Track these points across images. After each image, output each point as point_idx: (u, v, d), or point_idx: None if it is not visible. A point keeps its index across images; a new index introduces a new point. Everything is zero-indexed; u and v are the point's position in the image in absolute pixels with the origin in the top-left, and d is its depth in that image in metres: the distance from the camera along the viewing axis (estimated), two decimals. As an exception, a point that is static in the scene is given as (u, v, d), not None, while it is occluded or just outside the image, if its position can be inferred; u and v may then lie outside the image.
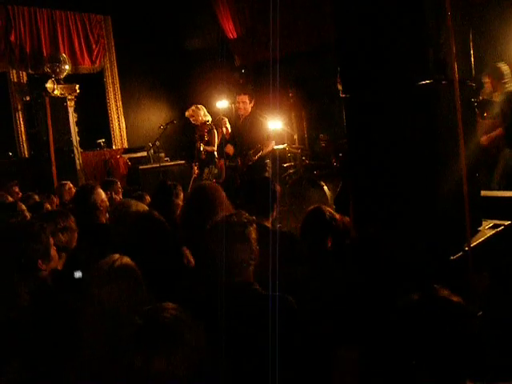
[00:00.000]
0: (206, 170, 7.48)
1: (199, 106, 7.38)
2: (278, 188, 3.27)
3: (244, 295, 1.88)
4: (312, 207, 2.83)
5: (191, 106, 7.73)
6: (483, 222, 3.07)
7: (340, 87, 4.84)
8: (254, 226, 2.17)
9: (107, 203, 3.57)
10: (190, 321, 1.28)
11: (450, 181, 2.92)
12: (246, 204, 3.02)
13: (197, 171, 7.43)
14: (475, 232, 2.94)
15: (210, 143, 7.46)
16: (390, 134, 3.00)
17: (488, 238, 2.87)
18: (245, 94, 6.54)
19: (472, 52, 3.77)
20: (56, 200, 4.90)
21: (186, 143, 8.33)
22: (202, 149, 7.33)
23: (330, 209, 2.86)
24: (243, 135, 6.50)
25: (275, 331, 1.58)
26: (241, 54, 8.81)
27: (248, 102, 6.42)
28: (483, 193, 3.35)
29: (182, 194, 3.69)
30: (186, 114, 7.36)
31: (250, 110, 6.48)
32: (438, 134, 2.91)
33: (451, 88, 2.85)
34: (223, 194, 3.04)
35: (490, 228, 2.99)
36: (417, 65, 2.88)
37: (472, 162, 3.14)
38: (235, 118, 6.99)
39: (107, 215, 3.48)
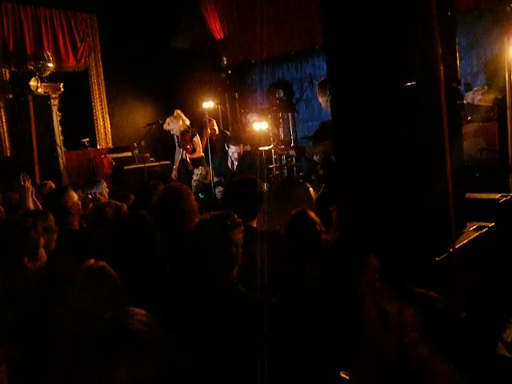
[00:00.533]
0: (196, 171, 7.47)
1: (176, 114, 7.27)
2: (263, 189, 3.27)
3: (227, 296, 1.85)
4: (295, 211, 2.85)
5: (176, 106, 7.68)
6: (468, 224, 3.08)
7: (321, 99, 4.88)
8: (241, 227, 2.15)
9: (79, 206, 3.44)
10: (156, 326, 1.23)
11: (435, 183, 2.93)
12: (231, 205, 3.01)
13: (175, 174, 7.41)
14: (460, 233, 2.95)
15: (194, 151, 7.45)
16: (374, 135, 2.99)
17: (472, 239, 2.88)
18: None
19: (458, 55, 3.80)
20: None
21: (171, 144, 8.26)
22: (188, 160, 7.32)
23: (312, 213, 2.88)
24: None
25: (258, 332, 1.55)
26: (228, 55, 8.78)
27: None
28: (468, 195, 3.37)
29: None
30: (165, 127, 7.28)
31: None
32: (423, 136, 2.92)
33: (437, 90, 2.85)
34: (191, 196, 3.05)
35: (474, 229, 3.01)
36: (403, 66, 2.88)
37: (457, 164, 3.15)
38: None
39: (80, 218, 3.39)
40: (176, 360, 1.24)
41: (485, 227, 3.01)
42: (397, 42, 2.89)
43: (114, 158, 8.61)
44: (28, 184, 3.58)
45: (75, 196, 3.40)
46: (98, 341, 1.17)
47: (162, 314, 1.46)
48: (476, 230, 3.00)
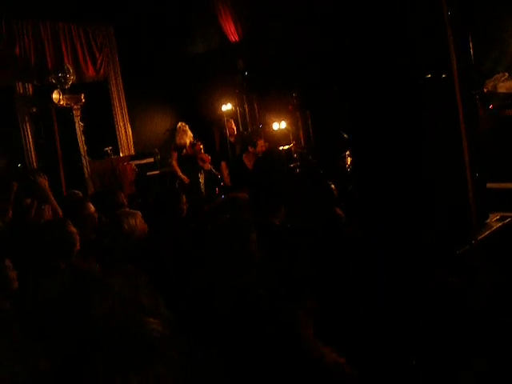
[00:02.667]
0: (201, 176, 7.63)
1: (183, 127, 7.44)
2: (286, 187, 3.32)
3: (245, 298, 1.88)
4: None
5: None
6: (491, 215, 3.05)
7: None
8: (253, 228, 2.17)
9: (95, 218, 3.44)
10: (171, 337, 1.18)
11: (453, 174, 2.91)
12: (255, 203, 3.05)
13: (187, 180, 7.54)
14: (482, 225, 2.92)
15: (205, 162, 7.62)
16: (392, 129, 3.00)
17: (495, 230, 2.85)
18: None
19: (471, 45, 3.76)
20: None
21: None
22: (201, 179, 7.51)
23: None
24: None
25: (276, 336, 1.57)
26: (243, 57, 8.82)
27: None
28: (489, 185, 3.33)
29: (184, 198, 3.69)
30: (178, 141, 7.45)
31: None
32: (437, 128, 2.91)
33: (451, 81, 2.84)
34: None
35: (497, 220, 2.98)
36: (419, 59, 2.88)
37: (475, 155, 3.12)
38: None
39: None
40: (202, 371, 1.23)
41: (508, 217, 2.98)
42: (407, 38, 2.90)
43: (137, 165, 8.75)
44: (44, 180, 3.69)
45: (92, 207, 3.45)
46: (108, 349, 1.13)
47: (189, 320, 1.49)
48: (499, 220, 2.97)
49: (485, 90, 5.31)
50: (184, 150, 7.52)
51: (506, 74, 5.30)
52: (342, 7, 3.25)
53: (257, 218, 2.70)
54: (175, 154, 7.56)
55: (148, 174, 8.63)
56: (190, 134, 7.59)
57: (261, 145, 7.07)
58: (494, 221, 2.97)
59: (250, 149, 7.10)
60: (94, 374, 1.23)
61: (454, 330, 1.23)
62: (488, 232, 2.82)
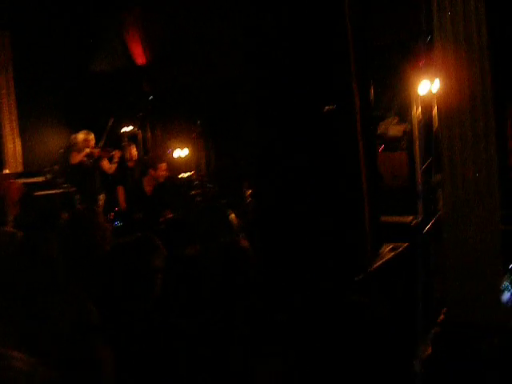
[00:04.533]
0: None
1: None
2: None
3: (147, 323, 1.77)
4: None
5: (93, 130, 7.47)
6: (384, 245, 3.21)
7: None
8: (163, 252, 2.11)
9: None
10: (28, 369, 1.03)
11: (351, 207, 3.03)
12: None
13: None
14: (376, 255, 3.06)
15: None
16: (293, 158, 3.06)
17: (388, 259, 3.00)
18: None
19: (372, 87, 4.01)
20: None
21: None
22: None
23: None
24: None
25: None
26: (149, 81, 8.71)
27: None
28: (383, 218, 3.52)
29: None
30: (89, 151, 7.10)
31: None
32: (339, 159, 3.02)
33: (354, 116, 2.99)
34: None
35: (389, 250, 3.14)
36: (322, 93, 3.00)
37: (373, 188, 3.29)
38: None
39: None
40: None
41: (399, 247, 3.16)
42: (315, 72, 3.02)
43: (25, 183, 8.10)
44: None
45: None
46: None
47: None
48: (391, 250, 3.14)
49: (378, 132, 5.71)
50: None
51: (397, 118, 5.77)
52: (250, 36, 3.32)
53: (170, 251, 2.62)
54: None
55: (36, 193, 8.02)
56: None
57: (162, 168, 6.88)
58: (387, 251, 3.13)
59: (152, 172, 6.89)
60: None
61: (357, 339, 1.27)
62: (381, 261, 2.96)
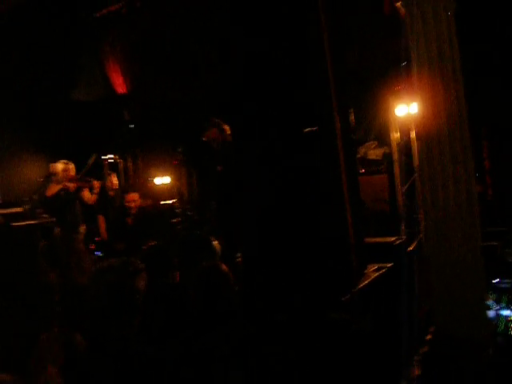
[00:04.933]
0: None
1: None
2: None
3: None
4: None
5: (72, 160, 7.39)
6: (369, 266, 3.22)
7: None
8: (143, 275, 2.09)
9: None
10: None
11: (335, 229, 3.05)
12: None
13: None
14: (361, 275, 3.06)
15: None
16: (278, 180, 3.08)
17: (372, 279, 3.00)
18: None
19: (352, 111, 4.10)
20: None
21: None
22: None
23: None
24: None
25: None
26: (129, 109, 8.73)
27: None
28: (367, 239, 3.55)
29: None
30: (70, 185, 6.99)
31: None
32: (322, 181, 3.05)
33: (334, 137, 3.04)
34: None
35: (374, 270, 3.14)
36: (303, 115, 3.04)
37: (356, 212, 3.31)
38: None
39: None
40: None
41: (384, 267, 3.17)
42: (296, 95, 3.07)
43: (2, 214, 7.94)
44: None
45: None
46: None
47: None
48: (376, 270, 3.15)
49: (358, 156, 5.79)
50: None
51: (376, 142, 5.86)
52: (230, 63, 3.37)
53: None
54: None
55: (13, 224, 7.86)
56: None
57: (130, 199, 6.73)
58: (372, 271, 3.13)
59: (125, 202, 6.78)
60: None
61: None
62: (367, 281, 2.96)
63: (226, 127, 4.89)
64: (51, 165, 7.16)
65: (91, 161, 7.60)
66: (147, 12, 7.80)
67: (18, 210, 8.09)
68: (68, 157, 7.44)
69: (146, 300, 2.08)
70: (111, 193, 7.93)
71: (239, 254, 4.01)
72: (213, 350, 2.04)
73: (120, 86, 8.59)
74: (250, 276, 3.14)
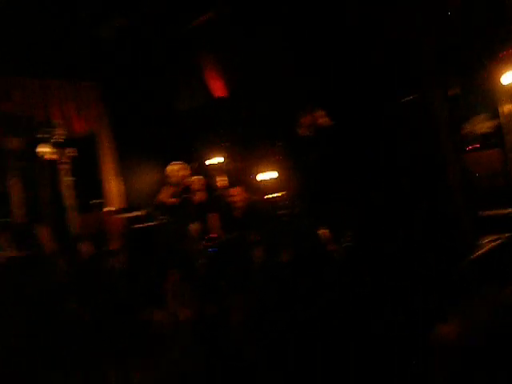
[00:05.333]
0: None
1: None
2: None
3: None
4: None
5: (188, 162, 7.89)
6: (484, 237, 3.10)
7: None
8: None
9: None
10: None
11: (445, 206, 3.01)
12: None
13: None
14: (475, 246, 2.97)
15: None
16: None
17: (488, 249, 2.90)
18: None
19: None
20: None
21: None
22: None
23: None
24: None
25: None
26: (230, 111, 9.08)
27: None
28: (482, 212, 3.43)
29: None
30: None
31: None
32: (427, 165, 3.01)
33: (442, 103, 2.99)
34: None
35: (489, 241, 3.02)
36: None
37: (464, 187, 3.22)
38: None
39: None
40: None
41: (500, 238, 3.03)
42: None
43: (126, 218, 8.70)
44: None
45: None
46: None
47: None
48: (491, 241, 3.02)
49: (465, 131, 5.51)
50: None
51: (484, 115, 5.53)
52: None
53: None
54: None
55: (136, 226, 8.57)
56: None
57: (230, 194, 6.99)
58: (486, 242, 3.02)
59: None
60: None
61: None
62: (483, 250, 2.86)
63: (319, 113, 4.94)
64: (167, 168, 7.71)
65: (195, 165, 8.08)
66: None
67: (139, 213, 8.84)
68: (183, 160, 8.02)
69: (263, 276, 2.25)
70: (220, 192, 8.34)
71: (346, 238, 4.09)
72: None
73: (219, 90, 8.98)
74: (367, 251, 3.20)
